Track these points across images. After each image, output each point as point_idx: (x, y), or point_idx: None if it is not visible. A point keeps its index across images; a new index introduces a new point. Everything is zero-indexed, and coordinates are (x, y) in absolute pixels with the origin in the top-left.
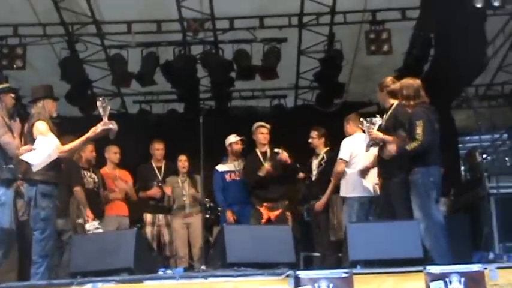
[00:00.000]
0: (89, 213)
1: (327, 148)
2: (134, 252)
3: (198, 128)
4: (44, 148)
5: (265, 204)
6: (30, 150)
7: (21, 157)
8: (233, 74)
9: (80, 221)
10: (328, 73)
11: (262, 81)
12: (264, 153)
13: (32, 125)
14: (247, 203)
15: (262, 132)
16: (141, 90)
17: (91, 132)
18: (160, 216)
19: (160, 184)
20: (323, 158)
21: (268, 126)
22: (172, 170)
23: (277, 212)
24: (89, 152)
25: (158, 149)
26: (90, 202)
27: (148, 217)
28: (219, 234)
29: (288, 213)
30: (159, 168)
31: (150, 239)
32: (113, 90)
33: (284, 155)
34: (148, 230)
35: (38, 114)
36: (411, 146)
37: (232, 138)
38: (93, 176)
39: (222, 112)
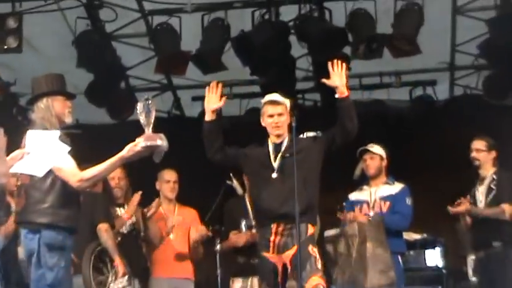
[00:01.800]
0: (119, 264)
1: (495, 168)
2: None
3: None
4: (44, 151)
5: (274, 225)
6: (22, 156)
7: (13, 170)
8: (347, 50)
9: (103, 278)
10: (503, 42)
11: (395, 60)
12: (278, 146)
13: None
14: None
15: (271, 115)
16: (203, 79)
17: (127, 151)
18: (255, 281)
19: (248, 227)
20: (492, 179)
21: (283, 102)
22: None
23: (291, 252)
24: (115, 180)
25: None
26: (124, 255)
27: (235, 284)
28: None
29: (313, 248)
30: None
31: None
32: (160, 82)
33: None
34: None
35: (42, 120)
36: None
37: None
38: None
39: (332, 111)
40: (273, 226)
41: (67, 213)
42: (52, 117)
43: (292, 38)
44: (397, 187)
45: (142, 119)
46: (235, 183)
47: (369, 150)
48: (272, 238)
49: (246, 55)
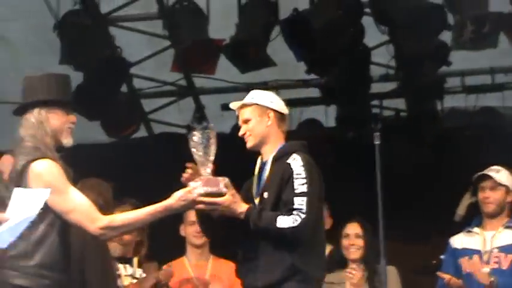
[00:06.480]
0: None
1: None
2: None
3: (371, 156)
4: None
5: None
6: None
7: None
8: (446, 36)
9: None
10: None
11: None
12: (261, 168)
13: (23, 170)
14: None
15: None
16: (239, 79)
17: (177, 200)
18: None
19: None
20: None
21: (250, 102)
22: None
23: None
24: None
25: None
26: None
27: None
28: None
29: None
30: None
31: None
32: (177, 83)
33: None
34: None
35: (33, 139)
36: None
37: None
38: (139, 273)
39: (420, 121)
40: None
41: (57, 277)
42: (48, 136)
43: (367, 20)
44: None
45: (198, 154)
46: None
47: (490, 177)
48: None
49: (300, 45)
